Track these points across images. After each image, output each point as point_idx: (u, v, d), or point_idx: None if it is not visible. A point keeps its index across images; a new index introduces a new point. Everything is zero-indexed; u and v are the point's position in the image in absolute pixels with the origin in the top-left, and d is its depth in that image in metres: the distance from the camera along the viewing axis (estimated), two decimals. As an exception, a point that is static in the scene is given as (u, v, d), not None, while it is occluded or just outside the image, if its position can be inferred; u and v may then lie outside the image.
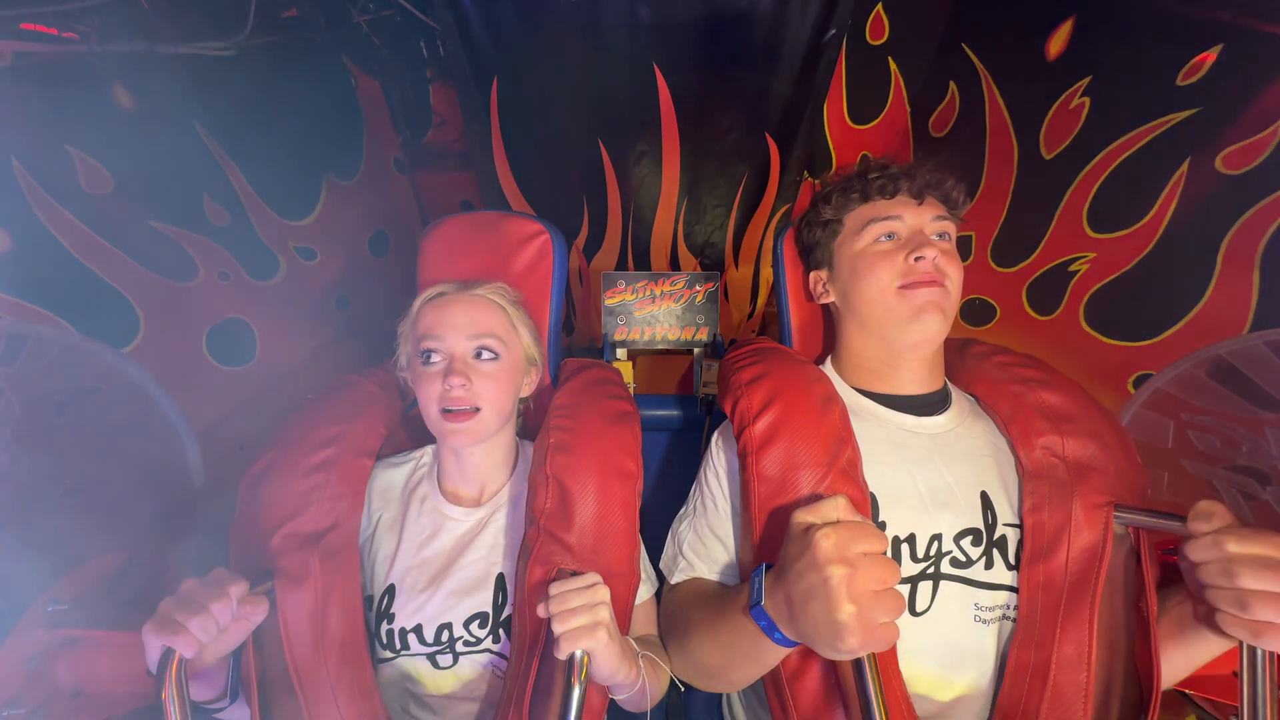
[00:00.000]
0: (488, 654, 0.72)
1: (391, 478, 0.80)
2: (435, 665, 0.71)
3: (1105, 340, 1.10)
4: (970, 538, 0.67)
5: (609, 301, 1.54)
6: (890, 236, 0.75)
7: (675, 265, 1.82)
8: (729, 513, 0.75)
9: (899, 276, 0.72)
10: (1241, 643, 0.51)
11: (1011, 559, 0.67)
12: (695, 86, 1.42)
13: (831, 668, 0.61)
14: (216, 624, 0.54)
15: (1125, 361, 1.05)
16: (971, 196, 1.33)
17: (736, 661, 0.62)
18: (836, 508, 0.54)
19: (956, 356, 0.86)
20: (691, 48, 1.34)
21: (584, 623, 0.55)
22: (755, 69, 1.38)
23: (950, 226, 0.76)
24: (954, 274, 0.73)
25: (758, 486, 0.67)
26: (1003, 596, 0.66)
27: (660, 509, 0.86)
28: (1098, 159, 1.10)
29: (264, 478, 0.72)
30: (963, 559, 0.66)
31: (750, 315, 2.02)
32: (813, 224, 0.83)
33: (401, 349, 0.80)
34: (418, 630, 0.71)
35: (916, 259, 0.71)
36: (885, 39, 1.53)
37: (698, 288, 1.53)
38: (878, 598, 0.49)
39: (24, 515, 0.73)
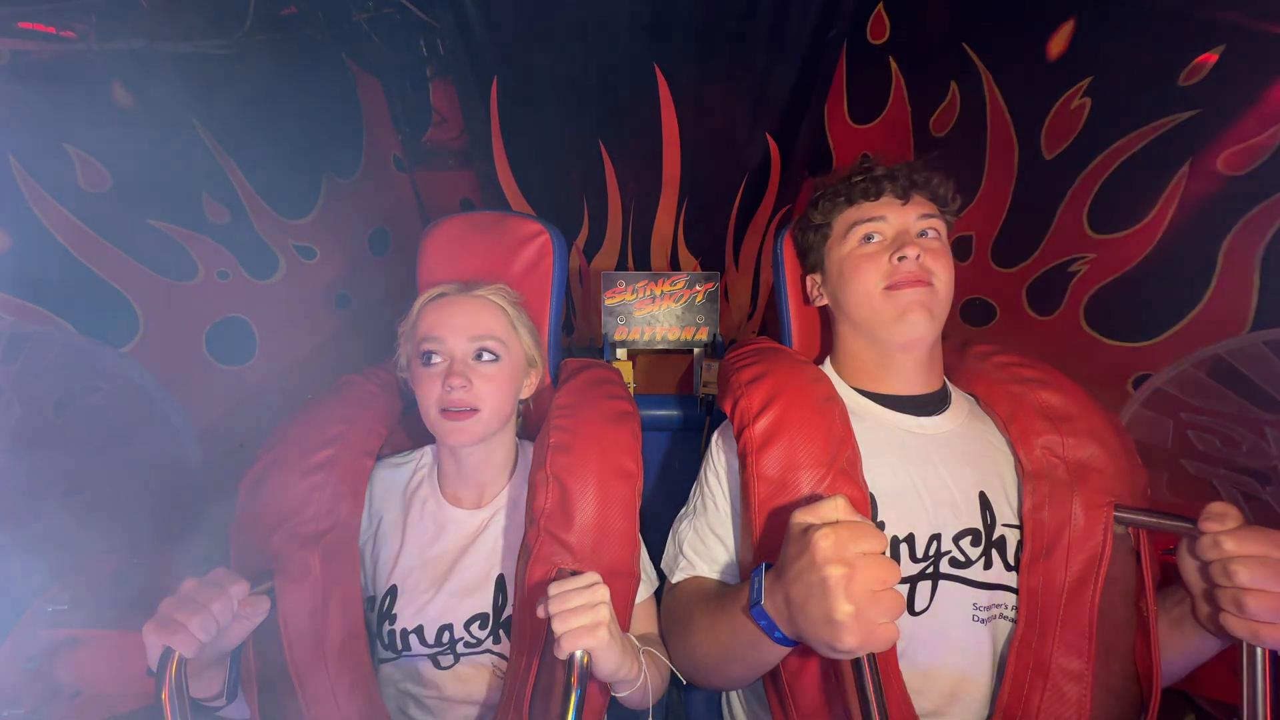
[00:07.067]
0: (488, 654, 0.72)
1: (392, 478, 0.80)
2: (437, 665, 0.71)
3: (1105, 340, 1.10)
4: (969, 538, 0.67)
5: (609, 301, 1.54)
6: (872, 238, 0.75)
7: (675, 265, 1.82)
8: (729, 512, 0.75)
9: (884, 278, 0.72)
10: (1241, 642, 0.51)
11: (1010, 559, 0.67)
12: (696, 86, 1.42)
13: (831, 667, 0.61)
14: (217, 623, 0.54)
15: (1125, 362, 1.05)
16: (971, 196, 1.33)
17: (736, 660, 0.62)
18: (835, 508, 0.54)
19: (956, 356, 0.86)
20: (692, 47, 1.33)
21: (584, 622, 0.55)
22: (756, 69, 1.38)
23: (938, 224, 0.76)
24: (942, 272, 0.72)
25: (757, 486, 0.67)
26: (1000, 596, 0.66)
27: (660, 509, 0.86)
28: (1098, 159, 1.10)
29: (264, 478, 0.72)
30: (962, 559, 0.66)
31: (750, 315, 2.02)
32: (805, 228, 0.83)
33: (402, 349, 0.80)
34: (419, 631, 0.71)
35: (899, 259, 0.71)
36: (886, 38, 1.53)
37: (698, 288, 1.53)
38: (876, 598, 0.48)
39: (24, 515, 0.73)
